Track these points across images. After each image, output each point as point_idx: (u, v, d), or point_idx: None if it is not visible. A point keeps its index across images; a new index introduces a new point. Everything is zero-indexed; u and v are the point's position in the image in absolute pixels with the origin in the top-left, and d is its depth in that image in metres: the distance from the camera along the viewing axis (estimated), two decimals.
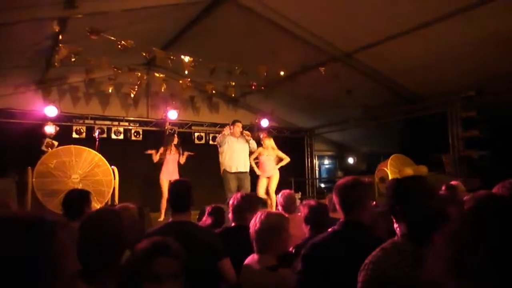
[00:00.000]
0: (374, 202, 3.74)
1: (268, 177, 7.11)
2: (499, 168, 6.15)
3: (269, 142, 7.23)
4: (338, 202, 2.00)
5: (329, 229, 2.03)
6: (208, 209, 3.71)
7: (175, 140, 7.42)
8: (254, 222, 2.38)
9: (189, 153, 7.49)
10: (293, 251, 2.49)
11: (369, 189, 2.19)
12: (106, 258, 1.65)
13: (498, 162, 6.47)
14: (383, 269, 1.35)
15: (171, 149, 7.23)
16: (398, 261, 1.35)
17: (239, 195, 3.24)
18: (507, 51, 5.63)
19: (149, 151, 7.25)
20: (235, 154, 6.56)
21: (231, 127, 6.72)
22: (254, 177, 7.06)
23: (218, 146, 6.72)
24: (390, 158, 8.04)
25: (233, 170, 6.50)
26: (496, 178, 2.29)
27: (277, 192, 7.13)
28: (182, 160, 7.35)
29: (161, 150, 7.21)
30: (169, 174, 7.00)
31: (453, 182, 4.19)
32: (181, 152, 7.37)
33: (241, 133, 6.68)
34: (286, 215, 2.89)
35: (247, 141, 6.72)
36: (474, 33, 5.47)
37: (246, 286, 2.32)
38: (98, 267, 1.58)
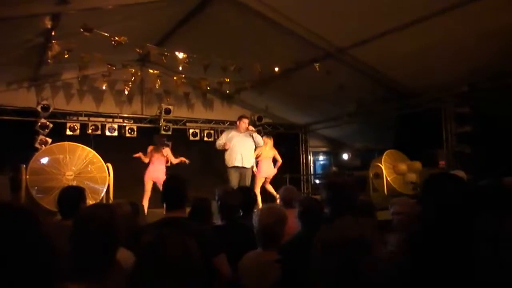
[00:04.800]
0: None
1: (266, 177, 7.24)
2: (491, 164, 6.21)
3: (271, 142, 7.38)
4: (332, 199, 2.00)
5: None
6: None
7: (163, 142, 7.30)
8: (262, 216, 2.37)
9: (184, 159, 7.33)
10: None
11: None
12: (100, 255, 1.63)
13: (491, 158, 6.52)
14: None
15: (159, 149, 6.99)
16: None
17: (229, 192, 3.23)
18: (500, 46, 5.67)
19: (136, 155, 7.03)
20: (238, 149, 6.54)
21: (238, 122, 6.72)
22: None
23: (218, 147, 6.65)
24: (384, 154, 8.09)
25: (236, 164, 6.51)
26: (488, 174, 2.32)
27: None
28: (175, 161, 7.19)
29: (149, 149, 6.99)
30: (155, 173, 6.83)
31: (456, 173, 4.04)
32: (169, 152, 7.16)
33: (247, 129, 6.66)
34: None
35: (251, 136, 6.69)
36: (467, 29, 5.50)
37: (247, 281, 2.32)
38: (91, 264, 1.58)
